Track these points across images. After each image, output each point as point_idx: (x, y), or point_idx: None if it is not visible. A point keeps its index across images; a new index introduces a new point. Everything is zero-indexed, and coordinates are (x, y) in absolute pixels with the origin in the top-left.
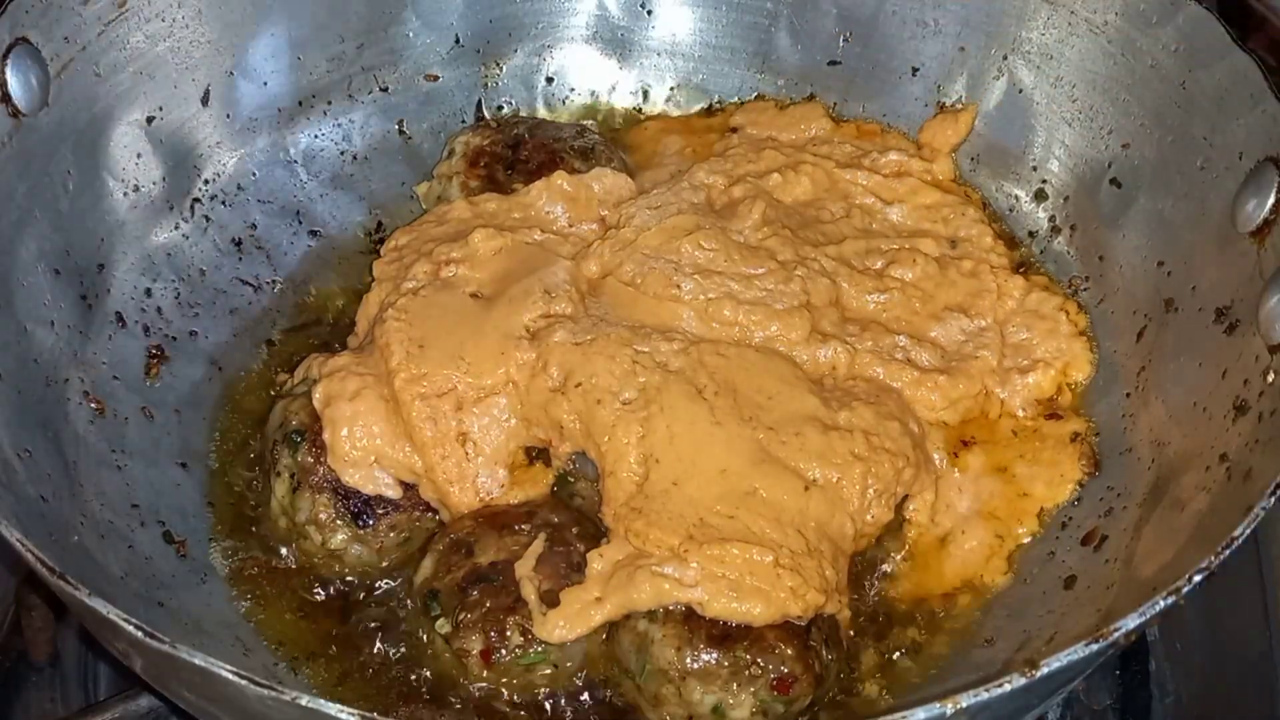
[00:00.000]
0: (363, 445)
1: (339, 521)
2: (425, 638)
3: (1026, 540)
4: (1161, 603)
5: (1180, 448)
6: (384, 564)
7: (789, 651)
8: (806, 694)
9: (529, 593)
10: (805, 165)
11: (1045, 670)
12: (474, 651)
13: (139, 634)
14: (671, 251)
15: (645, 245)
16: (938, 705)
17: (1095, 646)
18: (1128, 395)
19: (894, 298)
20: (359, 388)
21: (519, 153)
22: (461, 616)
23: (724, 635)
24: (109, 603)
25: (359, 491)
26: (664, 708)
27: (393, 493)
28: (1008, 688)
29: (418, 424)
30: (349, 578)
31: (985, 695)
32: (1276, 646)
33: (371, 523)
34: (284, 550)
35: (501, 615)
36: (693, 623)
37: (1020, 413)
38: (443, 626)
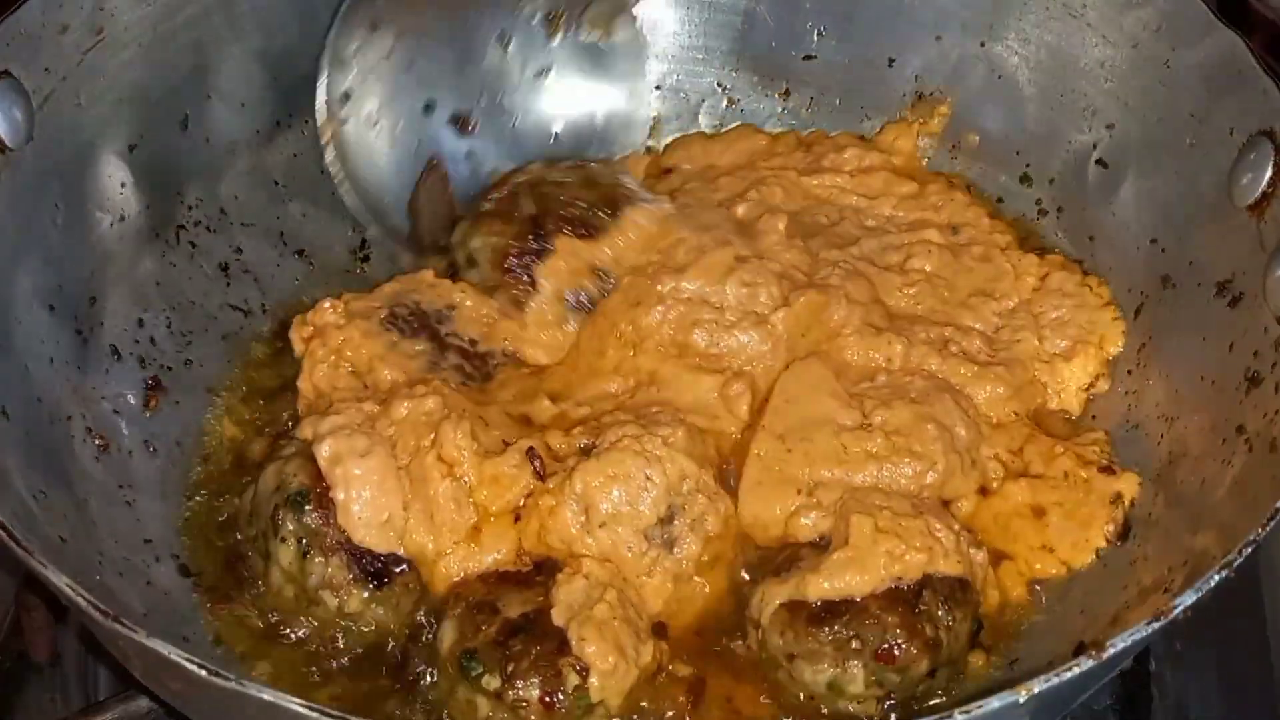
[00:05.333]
0: (377, 504)
1: (355, 584)
2: (465, 703)
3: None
4: (1216, 577)
5: (1190, 422)
6: (399, 625)
7: (891, 619)
8: (919, 660)
9: None
10: (769, 180)
11: (1111, 651)
12: (532, 699)
13: (203, 673)
14: (715, 295)
15: (686, 289)
16: (1009, 693)
17: (1158, 624)
18: (1129, 372)
19: (923, 290)
20: (369, 446)
21: (545, 240)
22: (510, 668)
23: (824, 612)
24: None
25: (372, 551)
26: (786, 692)
27: (405, 551)
28: (1077, 671)
29: (441, 501)
30: (359, 644)
31: (1056, 680)
32: (1275, 647)
33: (388, 581)
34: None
35: (552, 658)
36: (794, 606)
37: (1074, 411)
38: (490, 682)
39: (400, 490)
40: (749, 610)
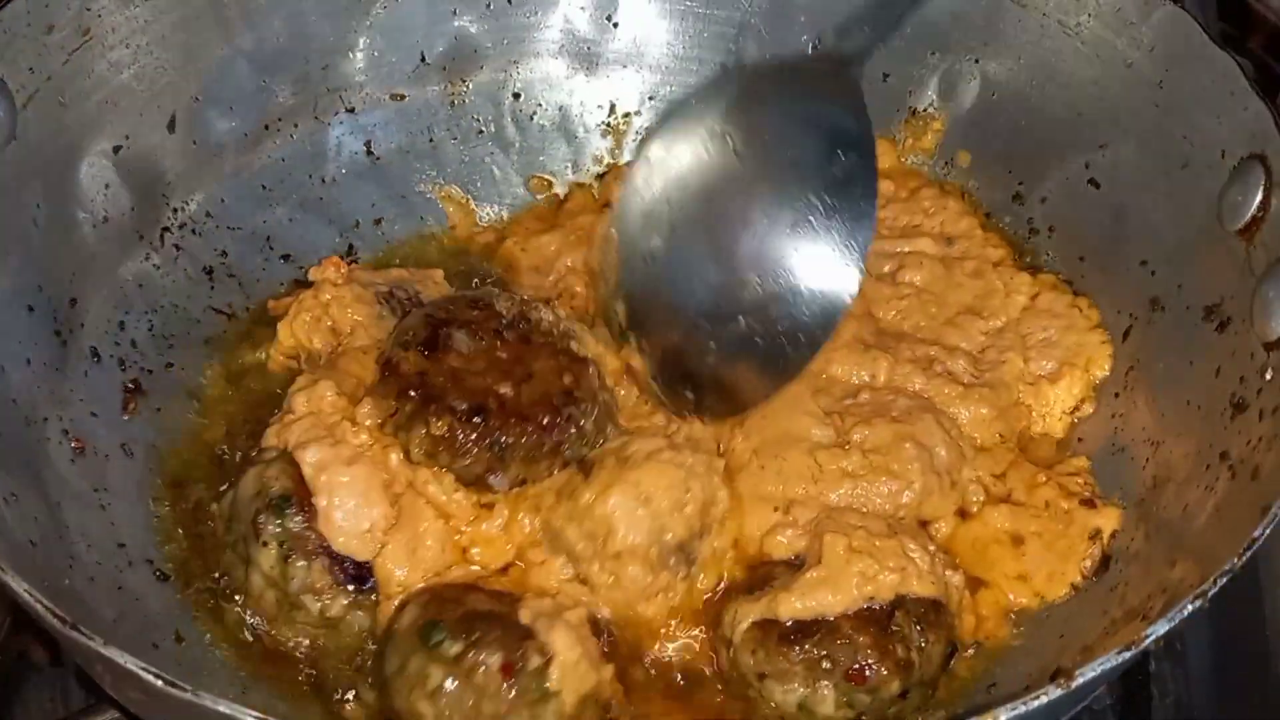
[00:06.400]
0: (359, 513)
1: (337, 588)
2: (414, 676)
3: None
4: (1190, 606)
5: (1175, 447)
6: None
7: (862, 640)
8: (890, 681)
9: None
10: None
11: (1080, 680)
12: (493, 665)
13: (158, 683)
14: None
15: None
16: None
17: (1128, 654)
18: (1116, 395)
19: (912, 304)
20: (354, 454)
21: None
22: (475, 635)
23: (795, 632)
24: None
25: (352, 556)
26: (757, 712)
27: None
28: (1045, 699)
29: (428, 541)
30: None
31: (1023, 708)
32: (1275, 647)
33: (369, 585)
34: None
35: (518, 641)
36: (765, 625)
37: (1058, 435)
38: (450, 648)
39: (383, 501)
40: (720, 628)
